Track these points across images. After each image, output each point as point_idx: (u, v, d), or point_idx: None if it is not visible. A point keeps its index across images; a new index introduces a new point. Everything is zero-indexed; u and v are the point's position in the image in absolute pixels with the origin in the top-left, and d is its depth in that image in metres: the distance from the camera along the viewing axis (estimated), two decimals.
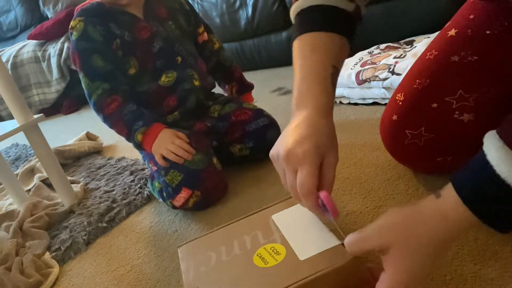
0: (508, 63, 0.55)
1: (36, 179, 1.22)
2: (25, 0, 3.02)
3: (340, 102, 1.20)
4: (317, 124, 0.47)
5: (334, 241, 0.49)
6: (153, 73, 0.92)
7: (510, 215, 0.35)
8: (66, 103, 2.63)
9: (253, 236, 0.55)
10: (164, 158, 0.84)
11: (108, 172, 1.21)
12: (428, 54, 0.63)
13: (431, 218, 0.38)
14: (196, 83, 0.95)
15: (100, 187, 1.12)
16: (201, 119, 0.96)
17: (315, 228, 0.52)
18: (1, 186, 1.30)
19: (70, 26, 0.89)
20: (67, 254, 0.84)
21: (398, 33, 1.39)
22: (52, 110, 2.67)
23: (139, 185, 1.04)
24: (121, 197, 1.01)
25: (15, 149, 1.90)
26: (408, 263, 0.39)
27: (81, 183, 1.14)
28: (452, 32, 0.61)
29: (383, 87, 1.04)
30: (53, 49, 2.51)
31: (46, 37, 2.57)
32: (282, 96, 1.46)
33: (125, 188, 1.05)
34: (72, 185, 1.10)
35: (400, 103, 0.64)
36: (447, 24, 0.64)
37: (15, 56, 2.61)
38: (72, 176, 1.26)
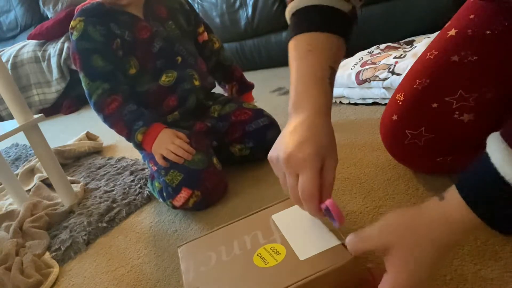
0: (508, 63, 0.55)
1: (36, 179, 1.22)
2: (25, 0, 3.02)
3: (340, 102, 1.20)
4: (317, 126, 0.47)
5: (334, 241, 0.49)
6: (153, 73, 0.92)
7: None
8: (66, 103, 2.63)
9: (253, 236, 0.56)
10: (164, 158, 0.84)
11: (108, 172, 1.21)
12: (428, 54, 0.63)
13: (435, 220, 0.38)
14: (196, 83, 0.95)
15: (100, 187, 1.12)
16: (201, 119, 0.96)
17: (315, 228, 0.52)
18: (1, 186, 1.30)
19: (70, 26, 0.89)
20: (67, 254, 0.84)
21: (398, 33, 1.39)
22: (52, 110, 2.67)
23: (139, 185, 1.04)
24: (121, 197, 1.01)
25: (15, 149, 1.90)
26: (412, 265, 0.38)
27: (81, 183, 1.14)
28: (452, 32, 0.61)
29: (383, 87, 1.05)
30: (53, 49, 2.51)
31: (46, 37, 2.57)
32: (282, 96, 1.46)
33: (125, 188, 1.05)
34: (72, 185, 1.10)
35: (400, 103, 0.64)
36: (447, 24, 0.64)
37: (15, 56, 2.61)
38: (72, 176, 1.26)
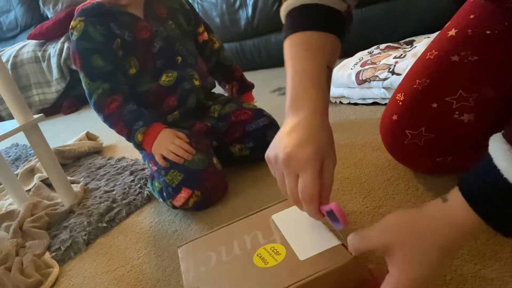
0: (508, 63, 0.55)
1: (36, 179, 1.22)
2: (25, 0, 3.02)
3: (340, 102, 1.20)
4: (315, 126, 0.46)
5: (334, 241, 0.49)
6: (153, 73, 0.92)
7: None
8: (66, 103, 2.63)
9: (253, 236, 0.55)
10: (164, 158, 0.84)
11: (108, 172, 1.21)
12: (428, 54, 0.63)
13: (438, 221, 0.38)
14: (196, 82, 0.95)
15: (100, 187, 1.12)
16: (201, 119, 0.96)
17: (315, 228, 0.52)
18: (1, 186, 1.30)
19: (70, 26, 0.89)
20: (67, 254, 0.84)
21: (398, 33, 1.39)
22: (52, 110, 2.67)
23: (139, 185, 1.04)
24: (121, 197, 1.01)
25: (15, 149, 1.90)
26: (415, 266, 0.38)
27: (81, 183, 1.14)
28: (452, 32, 0.61)
29: (383, 87, 1.05)
30: (53, 49, 2.52)
31: (46, 37, 2.57)
32: (282, 96, 1.46)
33: (125, 188, 1.05)
34: (72, 185, 1.10)
35: (400, 103, 0.64)
36: (447, 24, 0.64)
37: (15, 56, 2.61)
38: (72, 176, 1.26)
